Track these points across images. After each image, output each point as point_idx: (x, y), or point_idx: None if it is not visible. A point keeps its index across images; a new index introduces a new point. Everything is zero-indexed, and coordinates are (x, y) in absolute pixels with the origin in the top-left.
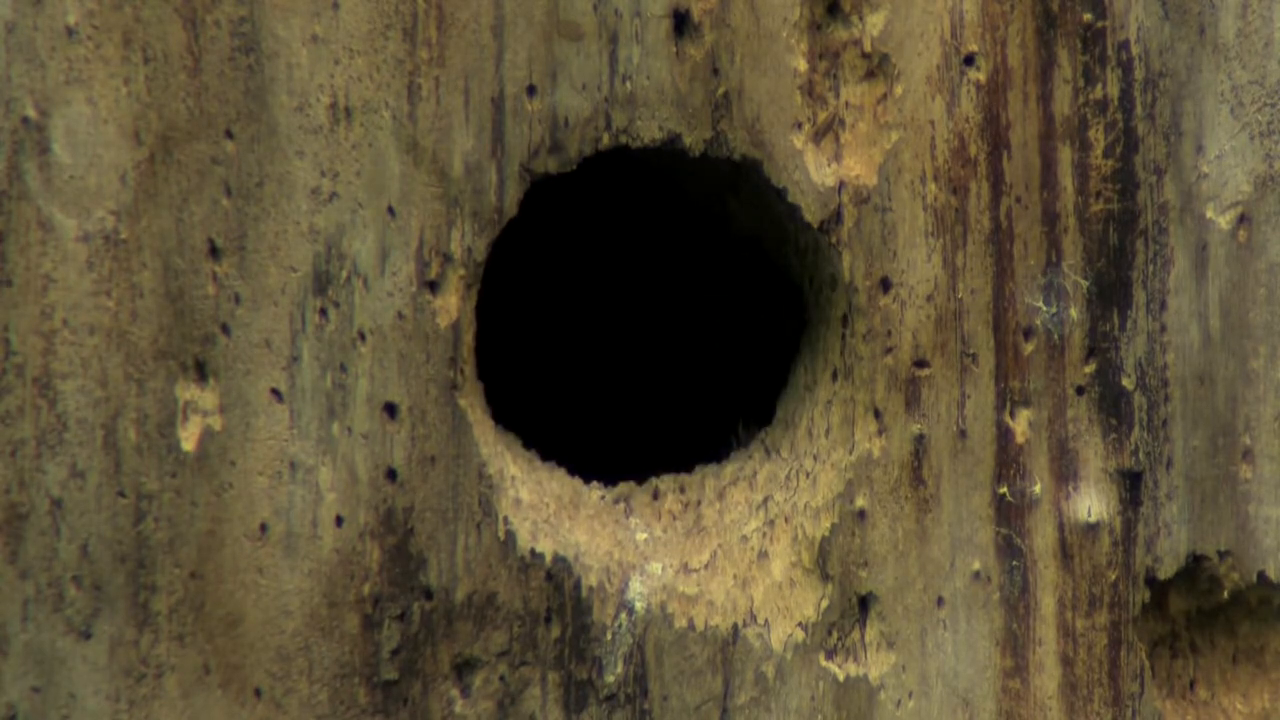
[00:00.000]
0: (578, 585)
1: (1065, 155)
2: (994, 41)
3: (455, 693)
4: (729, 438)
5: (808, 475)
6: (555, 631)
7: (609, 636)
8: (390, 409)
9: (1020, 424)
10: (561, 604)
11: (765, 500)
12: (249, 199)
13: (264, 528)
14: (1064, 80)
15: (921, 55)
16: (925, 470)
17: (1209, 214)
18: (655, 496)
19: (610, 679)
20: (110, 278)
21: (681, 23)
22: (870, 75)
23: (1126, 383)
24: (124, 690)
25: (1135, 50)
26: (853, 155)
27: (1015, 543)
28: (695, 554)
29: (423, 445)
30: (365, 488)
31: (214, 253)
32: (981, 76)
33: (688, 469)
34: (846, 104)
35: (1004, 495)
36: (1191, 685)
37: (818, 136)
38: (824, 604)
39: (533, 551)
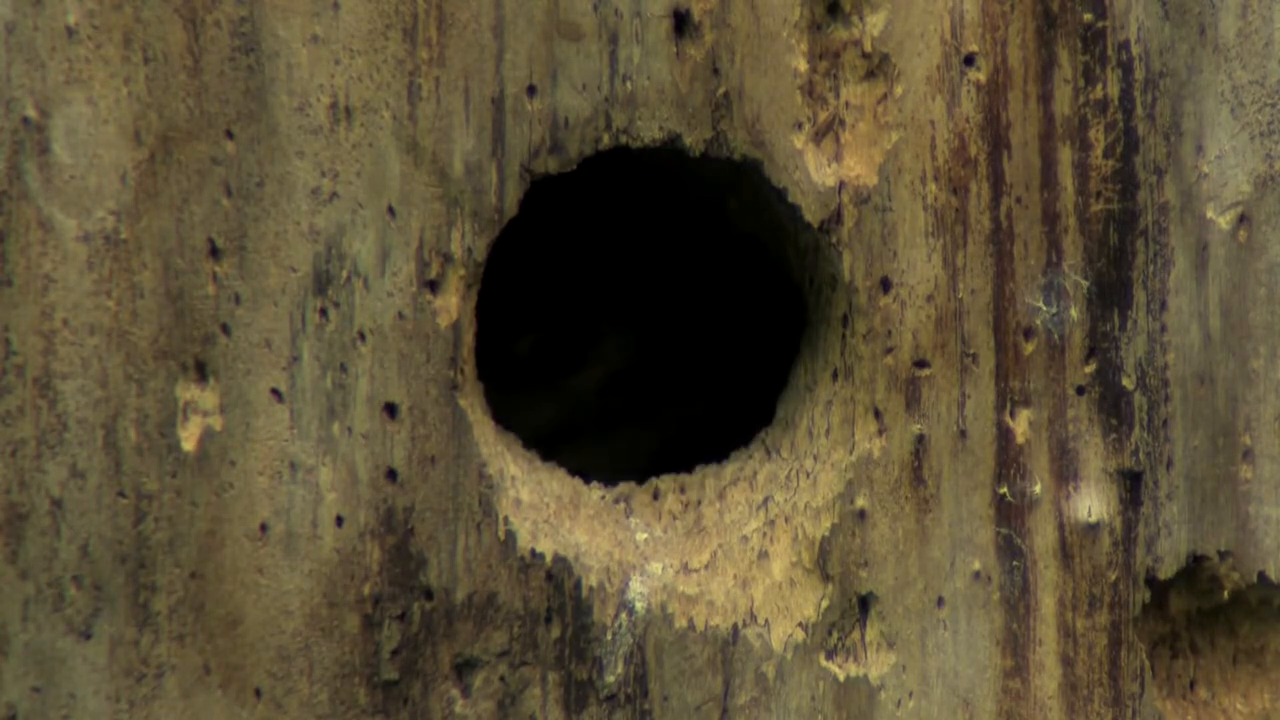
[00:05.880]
0: (578, 585)
1: (1065, 155)
2: (994, 41)
3: (455, 693)
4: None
5: (808, 475)
6: (555, 631)
7: (609, 636)
8: (390, 409)
9: (1020, 424)
10: (562, 604)
11: (765, 500)
12: (249, 199)
13: (264, 528)
14: (1064, 80)
15: (921, 55)
16: (925, 470)
17: (1209, 214)
18: (655, 496)
19: (610, 679)
20: (110, 278)
21: (681, 23)
22: (870, 75)
23: (1127, 383)
24: (124, 690)
25: (1135, 50)
26: (853, 155)
27: (1015, 543)
28: (695, 554)
29: (423, 445)
30: (365, 488)
31: (214, 253)
32: (982, 76)
33: (688, 469)
34: (846, 104)
35: (1004, 495)
36: (1192, 685)
37: (818, 136)
38: (824, 604)
39: (533, 551)
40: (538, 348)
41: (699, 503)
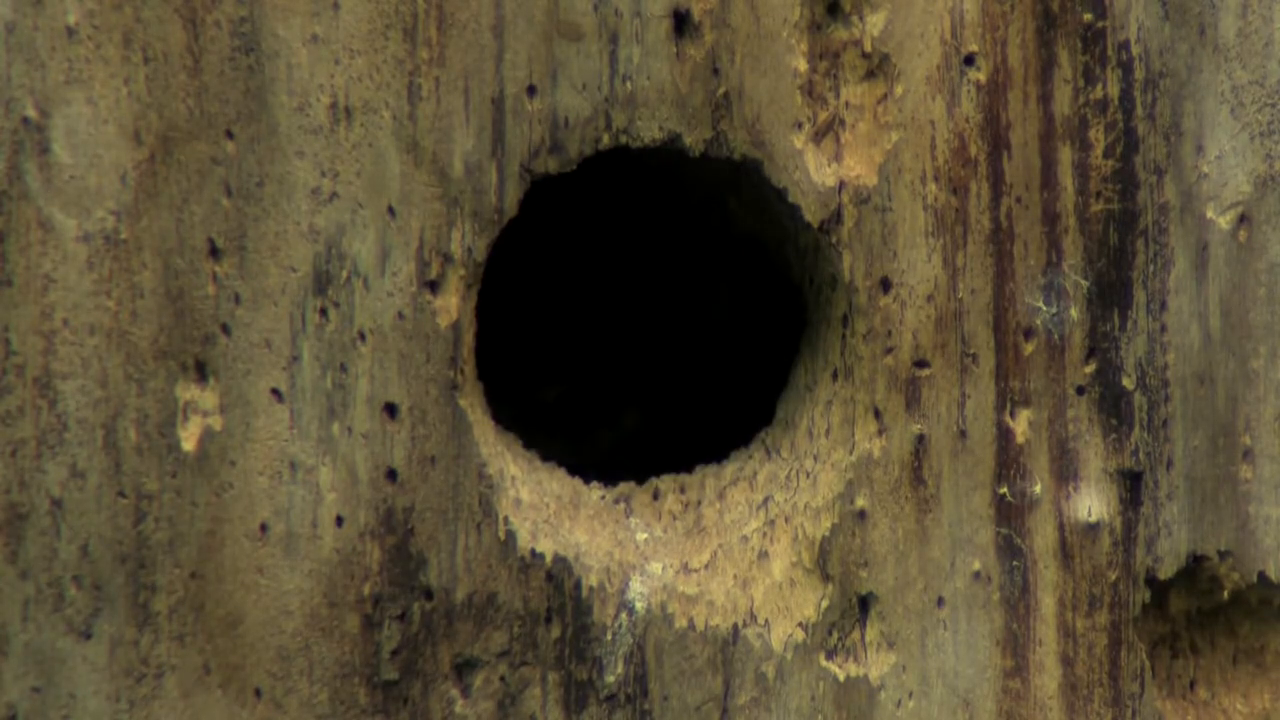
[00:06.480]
0: (578, 585)
1: (1065, 155)
2: (994, 41)
3: (455, 693)
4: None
5: (808, 475)
6: (555, 631)
7: (609, 636)
8: (390, 409)
9: (1020, 424)
10: (562, 604)
11: (765, 500)
12: (249, 199)
13: (264, 528)
14: (1064, 80)
15: (921, 55)
16: (925, 470)
17: (1209, 214)
18: (655, 496)
19: (610, 679)
20: (110, 278)
21: (681, 23)
22: (870, 75)
23: (1127, 383)
24: (124, 690)
25: (1135, 50)
26: (853, 155)
27: (1015, 543)
28: (695, 554)
29: (423, 445)
30: (365, 488)
31: (214, 253)
32: (982, 76)
33: (688, 469)
34: (846, 104)
35: (1004, 495)
36: (1192, 685)
37: (818, 136)
38: (824, 604)
39: (533, 551)
40: (563, 398)
41: (699, 503)
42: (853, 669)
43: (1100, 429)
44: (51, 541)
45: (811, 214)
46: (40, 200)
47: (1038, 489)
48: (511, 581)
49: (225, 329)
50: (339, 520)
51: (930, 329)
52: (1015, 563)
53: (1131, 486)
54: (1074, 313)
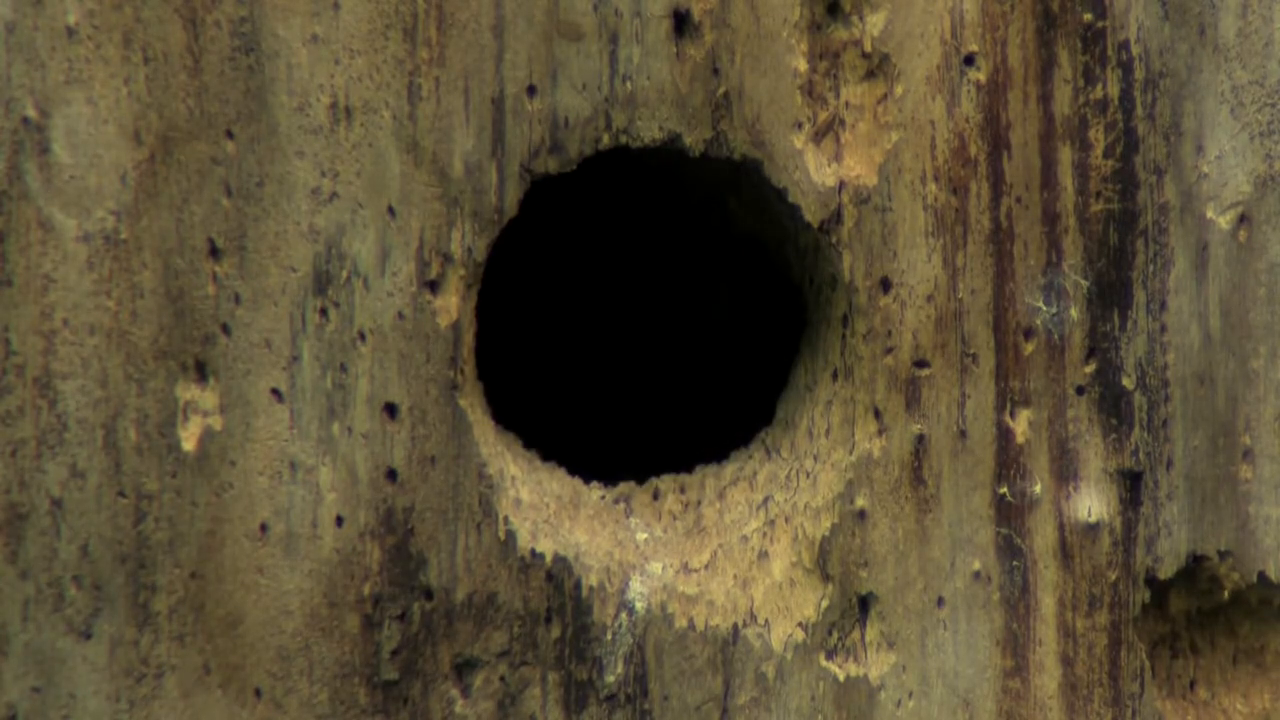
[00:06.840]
0: (578, 585)
1: (1065, 155)
2: (994, 41)
3: (455, 693)
4: (730, 438)
5: (808, 475)
6: (555, 631)
7: (609, 636)
8: (390, 409)
9: (1020, 424)
10: (562, 604)
11: (765, 500)
12: (249, 199)
13: (264, 528)
14: (1064, 80)
15: (921, 55)
16: (925, 470)
17: (1209, 214)
18: (655, 496)
19: (610, 679)
20: (110, 278)
21: (681, 23)
22: (870, 75)
23: (1127, 383)
24: (124, 690)
25: (1135, 50)
26: (853, 155)
27: (1015, 543)
28: (695, 554)
29: (423, 445)
30: (365, 488)
31: (214, 253)
32: (982, 76)
33: (688, 469)
34: (846, 104)
35: (1004, 495)
36: (1192, 685)
37: (818, 136)
38: (824, 604)
39: (533, 551)
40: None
41: (699, 503)
42: (853, 669)
43: (1100, 429)
44: (51, 541)
45: (811, 214)
46: (40, 200)
47: (1038, 489)
48: (511, 581)
49: (225, 329)
50: (339, 520)
51: (930, 329)
52: (1015, 563)
53: (1131, 486)
54: (1074, 313)
